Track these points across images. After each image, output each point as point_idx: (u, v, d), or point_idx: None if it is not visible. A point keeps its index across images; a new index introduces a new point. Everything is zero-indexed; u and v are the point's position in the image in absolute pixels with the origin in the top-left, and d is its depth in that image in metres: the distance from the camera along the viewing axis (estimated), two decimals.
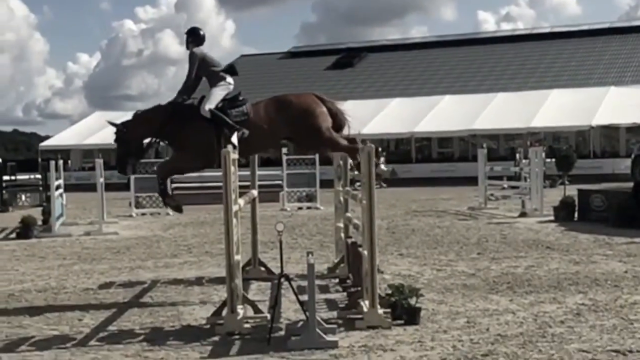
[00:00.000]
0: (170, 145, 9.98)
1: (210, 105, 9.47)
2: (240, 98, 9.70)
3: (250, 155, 10.31)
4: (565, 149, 26.71)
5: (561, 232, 15.73)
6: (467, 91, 50.35)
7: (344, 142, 9.73)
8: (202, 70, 9.69)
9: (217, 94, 9.57)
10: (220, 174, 7.73)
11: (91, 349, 7.16)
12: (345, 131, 9.91)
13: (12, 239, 17.32)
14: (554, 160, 25.43)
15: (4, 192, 28.24)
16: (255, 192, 10.90)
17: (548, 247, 13.50)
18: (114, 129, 9.74)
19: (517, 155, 28.45)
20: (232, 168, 7.74)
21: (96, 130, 47.78)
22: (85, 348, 7.21)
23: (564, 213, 18.00)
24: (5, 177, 29.82)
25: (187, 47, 9.82)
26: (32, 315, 8.81)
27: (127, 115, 10.06)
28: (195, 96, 9.78)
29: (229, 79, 9.73)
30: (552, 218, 18.13)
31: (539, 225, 17.15)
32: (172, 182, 23.53)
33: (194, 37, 9.83)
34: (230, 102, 9.60)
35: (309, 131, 9.54)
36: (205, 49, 9.90)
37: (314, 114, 9.55)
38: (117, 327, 8.09)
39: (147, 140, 9.80)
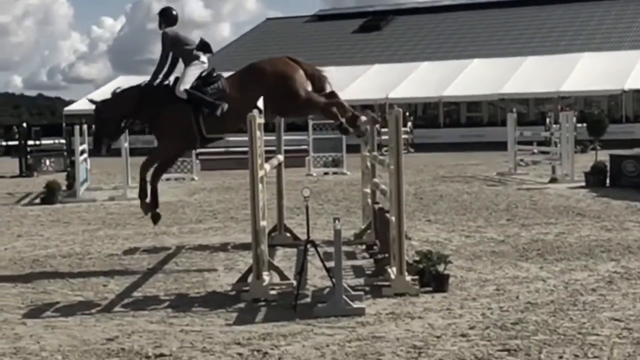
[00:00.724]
0: (149, 127, 9.89)
1: (185, 85, 9.37)
2: (215, 74, 9.59)
3: (234, 129, 10.16)
4: (597, 114, 26.35)
5: (592, 198, 15.51)
6: (496, 55, 49.73)
7: (322, 100, 9.53)
8: (176, 50, 9.60)
9: (191, 74, 9.46)
10: (246, 138, 7.63)
11: (116, 315, 7.14)
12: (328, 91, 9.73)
13: (37, 204, 17.39)
14: (585, 125, 25.06)
15: (28, 157, 28.38)
16: (281, 157, 10.79)
17: (579, 213, 13.31)
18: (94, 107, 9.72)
19: (548, 120, 28.00)
20: (258, 133, 7.64)
21: None
22: (110, 314, 7.20)
23: (595, 179, 17.74)
24: (30, 142, 29.97)
25: (160, 28, 9.68)
26: (57, 280, 8.83)
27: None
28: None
29: (203, 57, 9.61)
30: (583, 184, 17.90)
31: (570, 191, 16.94)
32: None
33: (166, 17, 9.71)
34: (204, 79, 9.47)
35: (286, 96, 9.36)
36: (177, 28, 9.76)
37: (290, 78, 9.39)
38: (141, 294, 8.07)
39: (124, 121, 9.72)
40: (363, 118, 9.96)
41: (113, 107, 9.56)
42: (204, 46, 9.64)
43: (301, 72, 9.51)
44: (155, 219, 9.82)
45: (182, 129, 9.40)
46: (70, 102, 67.70)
